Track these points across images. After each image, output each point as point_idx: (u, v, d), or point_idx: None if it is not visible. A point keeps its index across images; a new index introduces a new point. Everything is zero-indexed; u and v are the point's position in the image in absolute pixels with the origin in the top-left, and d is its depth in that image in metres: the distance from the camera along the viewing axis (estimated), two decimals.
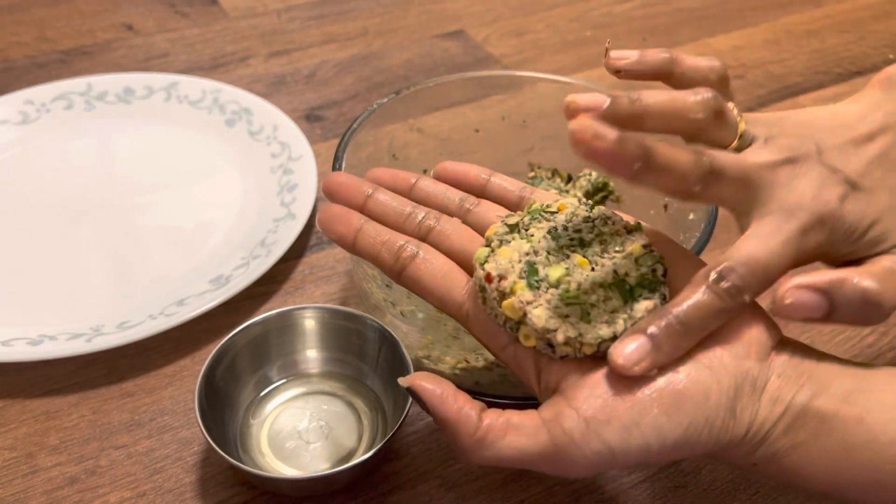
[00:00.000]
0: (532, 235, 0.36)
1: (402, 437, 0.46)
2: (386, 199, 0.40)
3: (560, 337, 0.33)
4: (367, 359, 0.47)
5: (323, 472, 0.42)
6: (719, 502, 0.44)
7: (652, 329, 0.32)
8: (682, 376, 0.32)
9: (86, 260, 0.57)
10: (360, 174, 0.52)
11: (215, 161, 0.66)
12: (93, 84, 0.71)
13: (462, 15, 0.90)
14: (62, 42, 0.82)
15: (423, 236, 0.39)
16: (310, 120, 0.73)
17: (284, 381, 0.48)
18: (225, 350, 0.45)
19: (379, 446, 0.41)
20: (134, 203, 0.62)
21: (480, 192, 0.42)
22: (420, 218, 0.40)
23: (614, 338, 0.33)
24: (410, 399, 0.42)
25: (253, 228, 0.59)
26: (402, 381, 0.35)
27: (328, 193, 0.41)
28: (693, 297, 0.33)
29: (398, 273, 0.38)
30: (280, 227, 0.58)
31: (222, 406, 0.44)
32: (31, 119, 0.69)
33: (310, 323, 0.47)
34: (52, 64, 0.79)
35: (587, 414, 0.32)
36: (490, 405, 0.48)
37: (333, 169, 0.48)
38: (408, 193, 0.42)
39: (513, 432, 0.33)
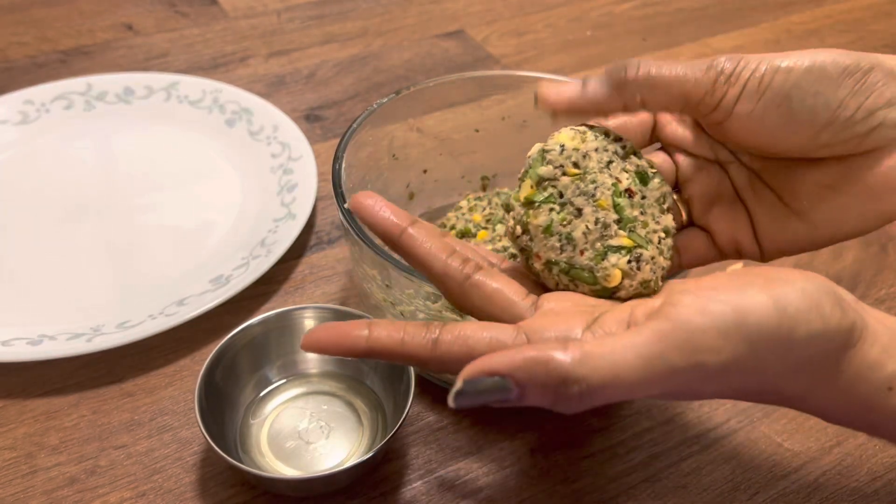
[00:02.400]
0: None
1: (402, 437, 0.46)
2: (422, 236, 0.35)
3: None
4: (366, 359, 0.47)
5: (323, 473, 0.42)
6: (720, 502, 0.44)
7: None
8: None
9: (86, 260, 0.57)
10: (360, 174, 0.52)
11: (215, 161, 0.66)
12: (93, 84, 0.71)
13: (462, 15, 0.90)
14: (62, 42, 0.82)
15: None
16: (310, 120, 0.73)
17: (284, 381, 0.48)
18: (225, 350, 0.45)
19: (379, 446, 0.41)
20: (134, 203, 0.62)
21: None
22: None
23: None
24: (410, 399, 0.42)
25: (253, 228, 0.59)
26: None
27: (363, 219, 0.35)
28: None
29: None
30: (280, 227, 0.58)
31: (222, 406, 0.44)
32: (31, 119, 0.69)
33: (310, 323, 0.47)
34: (51, 64, 0.79)
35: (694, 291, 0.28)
36: (491, 407, 0.48)
37: (333, 168, 0.48)
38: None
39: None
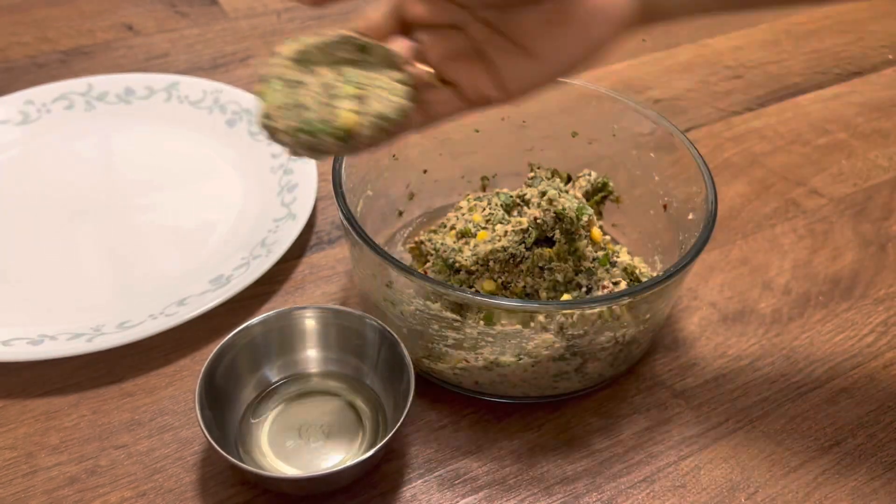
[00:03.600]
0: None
1: (402, 436, 0.47)
2: None
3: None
4: (366, 358, 0.47)
5: (323, 472, 0.42)
6: (718, 502, 0.44)
7: None
8: None
9: (86, 260, 0.57)
10: (361, 174, 0.52)
11: (216, 161, 0.66)
12: (93, 84, 0.71)
13: None
14: (62, 42, 0.83)
15: None
16: None
17: (285, 380, 0.48)
18: (225, 350, 0.45)
19: (379, 446, 0.41)
20: (134, 203, 0.62)
21: None
22: None
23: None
24: (410, 398, 0.42)
25: (253, 228, 0.59)
26: None
27: None
28: None
29: None
30: (280, 227, 0.58)
31: (223, 405, 0.45)
32: (32, 119, 0.69)
33: (310, 323, 0.48)
34: (52, 64, 0.79)
35: None
36: (490, 405, 0.48)
37: (333, 168, 0.48)
38: None
39: None
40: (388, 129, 0.37)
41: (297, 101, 0.36)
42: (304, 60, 0.38)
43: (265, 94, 0.37)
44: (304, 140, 0.36)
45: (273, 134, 0.36)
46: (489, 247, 0.49)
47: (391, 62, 0.38)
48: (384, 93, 0.37)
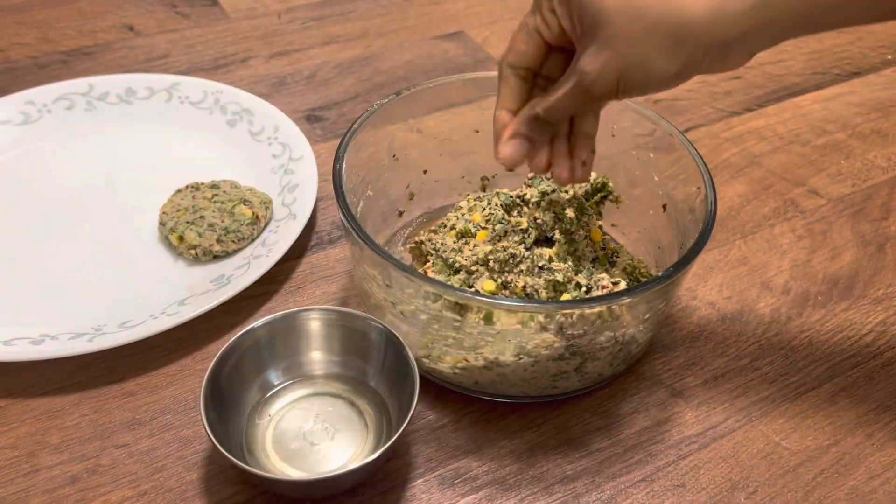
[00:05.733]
0: None
1: (403, 436, 0.47)
2: None
3: None
4: (371, 361, 0.47)
5: (327, 475, 0.42)
6: (718, 501, 0.44)
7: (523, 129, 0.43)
8: None
9: (87, 260, 0.58)
10: (361, 174, 0.53)
11: (216, 161, 0.66)
12: (94, 85, 0.72)
13: (462, 16, 0.90)
14: (63, 43, 0.83)
15: None
16: (310, 121, 0.73)
17: (289, 382, 0.48)
18: (230, 351, 0.45)
19: (383, 449, 0.41)
20: (135, 203, 0.62)
21: None
22: None
23: None
24: (415, 401, 0.42)
25: None
26: None
27: None
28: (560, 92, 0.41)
29: None
30: (281, 227, 0.58)
31: (227, 406, 0.45)
32: (33, 119, 0.69)
33: (314, 325, 0.48)
34: (53, 64, 0.79)
35: None
36: (490, 405, 0.48)
37: (334, 169, 0.48)
38: None
39: None
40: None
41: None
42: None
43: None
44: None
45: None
46: (488, 247, 0.49)
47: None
48: None
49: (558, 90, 0.42)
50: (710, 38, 0.37)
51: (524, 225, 0.50)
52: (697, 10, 0.37)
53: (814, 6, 0.37)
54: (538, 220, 0.49)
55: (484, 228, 0.51)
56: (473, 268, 0.49)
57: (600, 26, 0.39)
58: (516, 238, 0.49)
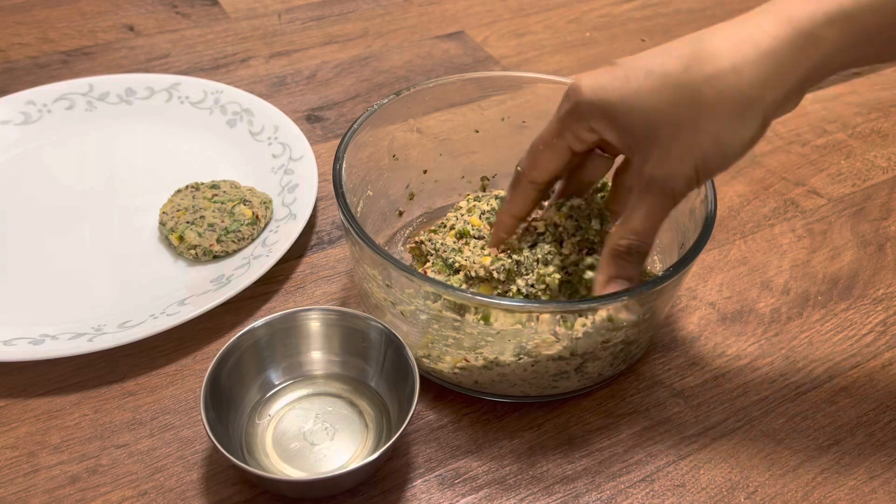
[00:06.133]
0: None
1: (403, 436, 0.47)
2: None
3: None
4: (371, 361, 0.47)
5: (327, 475, 0.42)
6: (718, 501, 0.44)
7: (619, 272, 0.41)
8: None
9: (88, 260, 0.58)
10: (361, 174, 0.53)
11: (216, 162, 0.66)
12: (94, 85, 0.72)
13: (462, 16, 0.90)
14: (64, 43, 0.83)
15: None
16: (310, 121, 0.73)
17: (289, 382, 0.48)
18: (230, 351, 0.45)
19: (382, 450, 0.41)
20: (135, 203, 0.62)
21: None
22: None
23: None
24: (415, 401, 0.42)
25: None
26: None
27: None
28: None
29: None
30: (281, 227, 0.58)
31: (227, 406, 0.45)
32: (33, 119, 0.69)
33: (314, 325, 0.48)
34: (53, 65, 0.79)
35: None
36: (490, 404, 0.48)
37: (334, 169, 0.48)
38: None
39: None
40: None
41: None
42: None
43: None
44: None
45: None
46: (488, 249, 0.49)
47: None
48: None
49: (638, 210, 0.40)
50: (774, 95, 0.36)
51: (541, 228, 0.48)
52: (751, 73, 0.36)
53: (866, 43, 0.36)
54: (559, 226, 0.47)
55: (481, 237, 0.50)
56: (474, 273, 0.48)
57: (656, 128, 0.37)
58: (528, 238, 0.48)
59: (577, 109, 0.40)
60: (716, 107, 0.36)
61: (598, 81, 0.39)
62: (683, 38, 0.38)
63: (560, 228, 0.47)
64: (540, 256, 0.46)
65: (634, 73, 0.38)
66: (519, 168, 0.45)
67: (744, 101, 0.36)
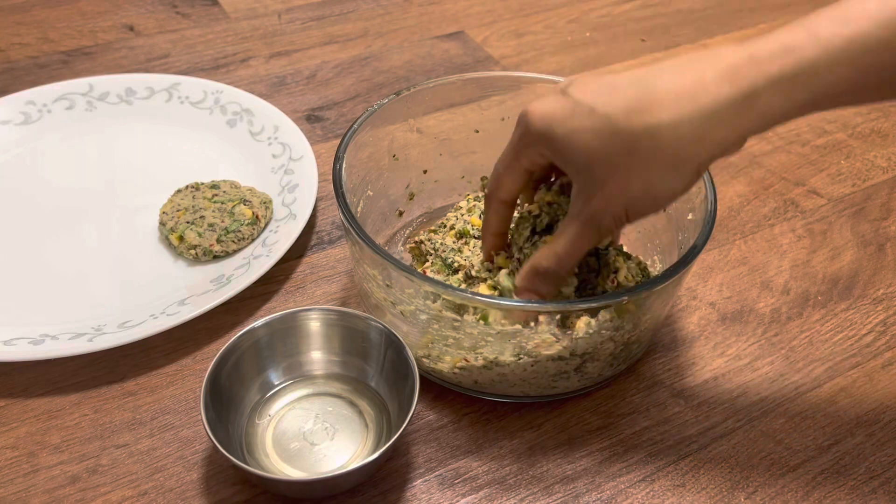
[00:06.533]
0: None
1: (403, 436, 0.47)
2: None
3: None
4: (371, 361, 0.47)
5: (327, 475, 0.42)
6: (718, 501, 0.44)
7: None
8: None
9: (87, 260, 0.58)
10: (361, 174, 0.53)
11: (216, 162, 0.66)
12: (94, 85, 0.72)
13: (462, 16, 0.90)
14: (64, 43, 0.83)
15: None
16: (310, 121, 0.73)
17: (289, 382, 0.48)
18: (230, 351, 0.45)
19: (382, 450, 0.41)
20: (135, 203, 0.62)
21: None
22: None
23: None
24: (415, 401, 0.42)
25: None
26: None
27: None
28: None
29: None
30: (281, 228, 0.58)
31: (227, 406, 0.45)
32: (33, 119, 0.69)
33: (314, 325, 0.48)
34: (53, 65, 0.79)
35: None
36: (490, 404, 0.48)
37: (334, 169, 0.48)
38: None
39: None
40: None
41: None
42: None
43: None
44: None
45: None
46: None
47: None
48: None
49: (565, 234, 0.41)
50: (710, 151, 0.37)
51: (536, 210, 0.48)
52: (688, 131, 0.36)
53: (810, 102, 0.36)
54: (552, 204, 0.47)
55: (478, 237, 0.50)
56: (475, 273, 0.48)
57: (592, 166, 0.38)
58: (526, 224, 0.48)
59: (527, 135, 0.41)
60: (650, 158, 0.37)
61: (547, 110, 0.40)
62: (634, 73, 0.39)
63: (554, 205, 0.47)
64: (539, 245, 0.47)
65: (580, 108, 0.38)
66: (487, 190, 0.46)
67: (678, 157, 0.37)
